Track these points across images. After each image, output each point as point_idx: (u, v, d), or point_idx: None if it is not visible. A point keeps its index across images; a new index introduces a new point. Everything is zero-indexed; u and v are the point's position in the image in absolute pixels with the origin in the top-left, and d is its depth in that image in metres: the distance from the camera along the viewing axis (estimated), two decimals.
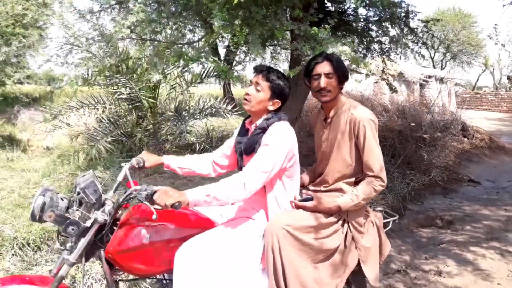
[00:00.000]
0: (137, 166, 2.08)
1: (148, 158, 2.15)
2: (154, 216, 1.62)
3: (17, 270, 2.99)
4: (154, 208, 1.65)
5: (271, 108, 2.05)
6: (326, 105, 2.18)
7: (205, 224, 1.99)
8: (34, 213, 1.66)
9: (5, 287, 1.68)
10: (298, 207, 2.07)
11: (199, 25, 5.82)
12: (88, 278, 2.94)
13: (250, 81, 2.10)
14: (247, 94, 2.06)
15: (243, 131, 2.17)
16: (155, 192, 1.67)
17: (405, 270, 3.67)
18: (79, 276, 2.88)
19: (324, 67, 2.07)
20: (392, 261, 3.86)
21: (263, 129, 1.99)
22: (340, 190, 2.12)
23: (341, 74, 2.07)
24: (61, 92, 10.25)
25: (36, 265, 3.09)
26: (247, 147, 2.03)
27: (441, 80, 17.16)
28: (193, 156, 2.35)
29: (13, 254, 3.15)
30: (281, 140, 1.93)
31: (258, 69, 2.08)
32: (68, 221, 1.69)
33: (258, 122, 2.05)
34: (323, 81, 2.07)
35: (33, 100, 11.63)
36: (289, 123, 2.07)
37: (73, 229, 1.69)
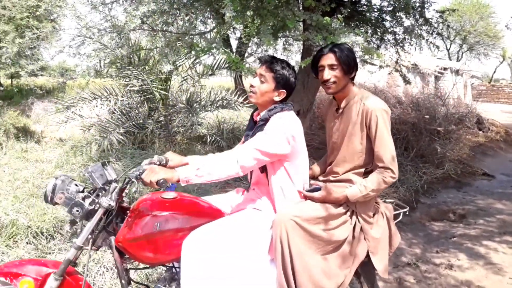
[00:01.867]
0: (158, 163, 2.00)
1: (172, 158, 2.11)
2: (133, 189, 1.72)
3: (31, 258, 3.05)
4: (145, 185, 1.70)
5: (277, 98, 2.03)
6: (337, 95, 2.16)
7: (215, 214, 2.00)
8: (47, 195, 1.74)
9: (21, 266, 1.80)
10: (306, 197, 2.06)
11: (211, 16, 5.80)
12: (100, 266, 2.99)
13: (255, 72, 2.08)
14: (251, 86, 2.04)
15: (252, 124, 2.16)
16: (144, 171, 1.72)
17: (416, 263, 3.65)
18: (90, 264, 2.93)
19: (327, 59, 2.06)
20: (402, 254, 3.84)
21: (265, 120, 1.98)
22: (349, 181, 2.10)
23: (345, 65, 2.03)
24: (73, 84, 10.36)
25: (49, 253, 3.15)
26: None
27: (457, 72, 16.85)
28: (216, 155, 2.22)
29: (27, 243, 3.22)
30: (278, 126, 1.91)
31: (262, 60, 2.06)
32: (73, 202, 1.73)
33: (262, 113, 2.03)
34: (326, 73, 2.06)
35: (46, 92, 11.79)
36: (294, 113, 2.05)
37: (77, 211, 1.73)
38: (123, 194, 1.86)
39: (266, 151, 1.86)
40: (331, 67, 2.05)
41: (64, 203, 1.73)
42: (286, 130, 1.91)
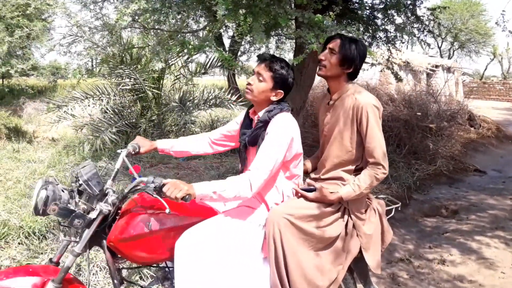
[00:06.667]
0: (133, 153, 2.09)
1: (143, 144, 2.15)
2: (167, 211, 1.65)
3: (23, 258, 3.02)
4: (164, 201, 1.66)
5: (274, 98, 2.01)
6: (330, 86, 2.17)
7: (207, 212, 1.99)
8: (38, 207, 1.66)
9: (9, 280, 1.68)
10: (299, 195, 2.06)
11: (203, 14, 5.78)
12: (93, 266, 2.97)
13: (253, 70, 2.06)
14: (249, 83, 2.02)
15: (247, 121, 2.14)
16: (164, 184, 1.67)
17: (409, 259, 3.67)
18: (84, 264, 2.91)
19: (333, 42, 2.08)
20: (395, 250, 3.86)
21: (265, 122, 1.96)
22: (340, 178, 2.10)
23: (341, 55, 2.04)
24: (65, 83, 10.30)
25: (41, 253, 3.12)
26: (251, 140, 2.01)
27: (448, 70, 16.93)
28: (187, 137, 2.35)
29: (19, 243, 3.18)
30: (282, 134, 1.91)
31: (261, 58, 2.02)
32: (73, 214, 1.69)
33: (260, 113, 2.02)
34: (323, 53, 2.09)
35: (38, 92, 11.71)
36: (291, 114, 2.04)
37: (79, 222, 1.71)
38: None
39: (274, 166, 1.88)
40: (331, 50, 2.06)
41: (58, 214, 1.67)
42: (288, 137, 1.92)
